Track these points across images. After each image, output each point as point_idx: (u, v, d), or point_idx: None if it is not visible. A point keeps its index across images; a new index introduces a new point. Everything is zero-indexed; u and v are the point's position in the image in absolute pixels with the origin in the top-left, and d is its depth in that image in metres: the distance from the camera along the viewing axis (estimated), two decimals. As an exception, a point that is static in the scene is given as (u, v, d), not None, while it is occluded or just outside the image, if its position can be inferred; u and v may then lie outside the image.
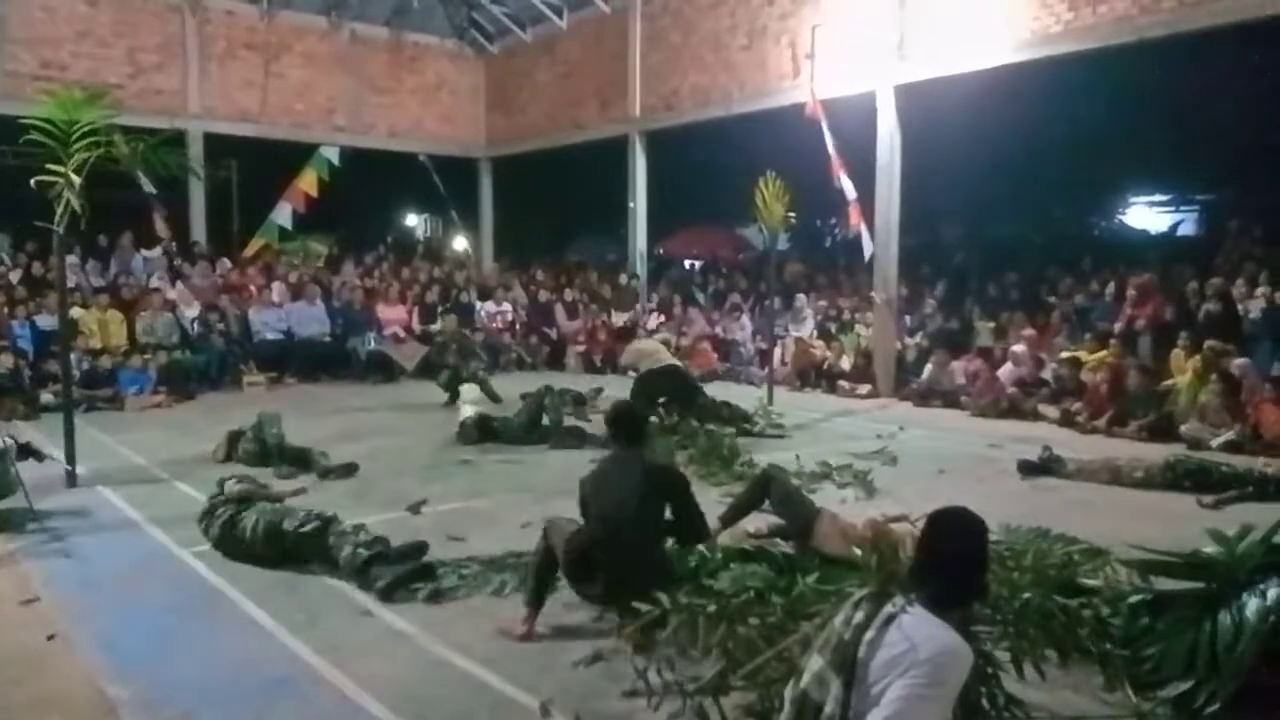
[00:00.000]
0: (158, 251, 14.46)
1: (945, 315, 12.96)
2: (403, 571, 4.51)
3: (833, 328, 13.62)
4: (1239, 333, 9.98)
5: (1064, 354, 10.56)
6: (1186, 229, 21.04)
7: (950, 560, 2.51)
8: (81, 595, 4.53)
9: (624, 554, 3.95)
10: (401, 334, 13.96)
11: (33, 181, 6.59)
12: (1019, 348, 10.80)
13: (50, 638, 3.99)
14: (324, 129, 16.71)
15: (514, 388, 10.22)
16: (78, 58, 14.33)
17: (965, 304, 13.29)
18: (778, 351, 12.48)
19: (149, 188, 14.12)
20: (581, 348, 14.75)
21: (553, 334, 15.29)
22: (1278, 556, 3.41)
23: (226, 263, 14.77)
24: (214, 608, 4.39)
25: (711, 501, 5.43)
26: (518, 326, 15.32)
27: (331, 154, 15.52)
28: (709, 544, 4.38)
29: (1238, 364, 8.77)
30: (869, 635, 2.40)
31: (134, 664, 3.73)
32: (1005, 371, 10.69)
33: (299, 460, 7.20)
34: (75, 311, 11.20)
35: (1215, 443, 8.07)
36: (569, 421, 8.84)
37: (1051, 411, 9.69)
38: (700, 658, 3.40)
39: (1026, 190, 19.29)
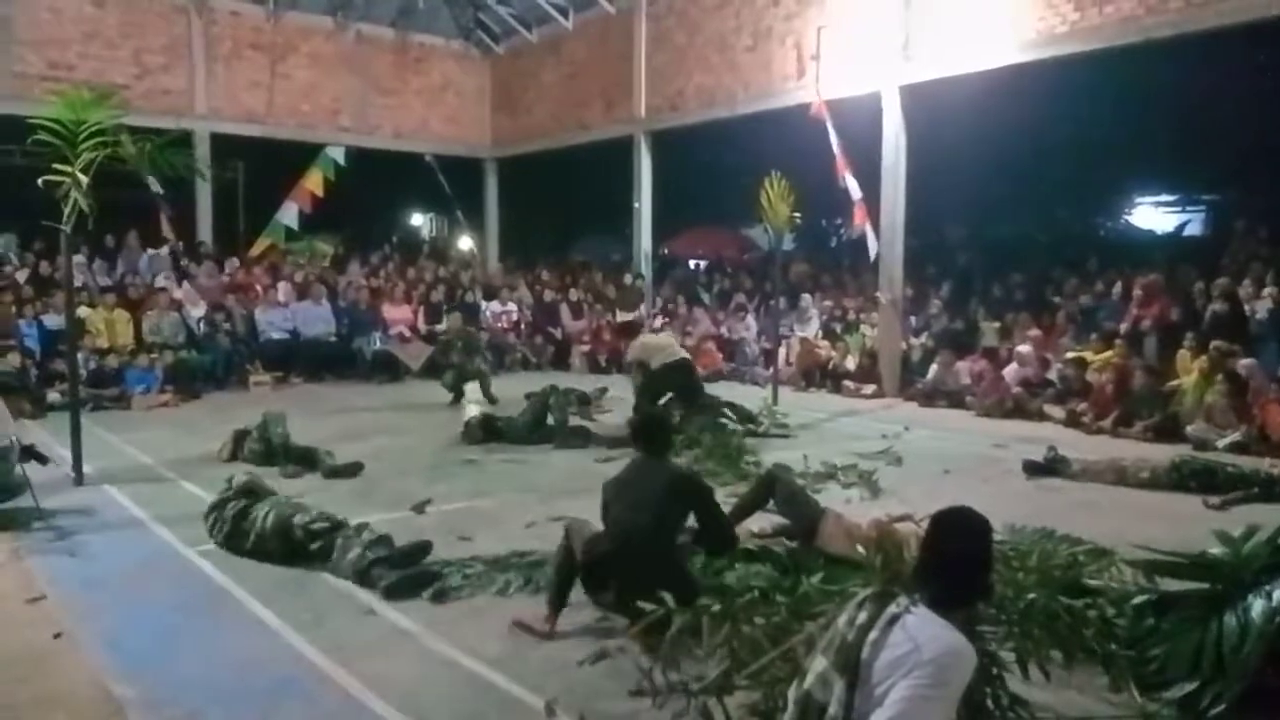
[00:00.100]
0: (163, 250, 14.50)
1: (950, 315, 12.94)
2: (405, 575, 4.52)
3: (838, 328, 13.62)
4: (1245, 333, 9.94)
5: (1069, 354, 10.54)
6: (1193, 229, 20.96)
7: (954, 560, 2.50)
8: (87, 594, 4.54)
9: (638, 563, 3.89)
10: (407, 334, 13.99)
11: (40, 181, 6.63)
12: (1024, 348, 10.78)
13: (56, 636, 4.00)
14: (330, 129, 16.75)
15: (519, 388, 10.24)
16: (84, 58, 14.37)
17: (970, 304, 13.27)
18: (782, 351, 12.49)
19: (156, 187, 14.18)
20: (586, 348, 14.77)
21: (558, 334, 15.32)
22: (1284, 557, 3.40)
23: (236, 261, 14.81)
24: (219, 607, 4.40)
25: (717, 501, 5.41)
26: (523, 326, 15.35)
27: (337, 154, 15.55)
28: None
29: (1244, 364, 8.74)
30: (873, 636, 2.40)
31: (139, 663, 3.74)
32: (1010, 372, 10.67)
33: (304, 459, 7.21)
34: (82, 311, 11.25)
35: (1221, 443, 8.05)
36: (574, 421, 8.84)
37: (1057, 412, 9.68)
38: (705, 657, 3.40)
39: (1032, 190, 19.24)
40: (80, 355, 9.30)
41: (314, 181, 15.36)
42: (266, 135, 16.25)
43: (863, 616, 2.46)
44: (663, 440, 4.45)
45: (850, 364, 12.30)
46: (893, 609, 2.42)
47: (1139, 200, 22.88)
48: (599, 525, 4.17)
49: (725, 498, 5.81)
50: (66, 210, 6.52)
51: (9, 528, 5.60)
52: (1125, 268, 12.76)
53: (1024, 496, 6.46)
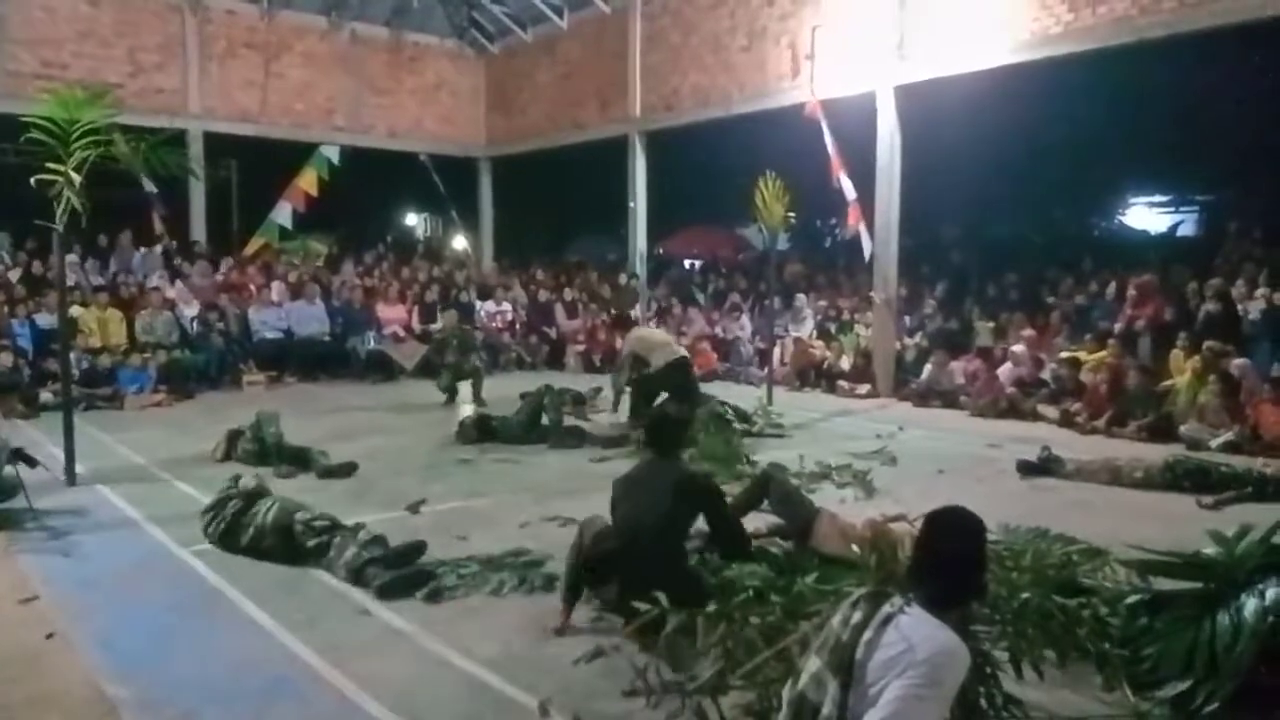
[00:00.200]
0: (157, 249, 14.46)
1: (945, 315, 12.96)
2: (399, 575, 4.51)
3: (832, 328, 13.63)
4: (1238, 333, 9.98)
5: (1063, 354, 10.56)
6: (1186, 229, 21.05)
7: (948, 560, 2.51)
8: (80, 594, 4.52)
9: (642, 562, 3.89)
10: (401, 333, 13.96)
11: (33, 180, 6.60)
12: (1018, 348, 10.81)
13: (49, 636, 3.99)
14: (324, 129, 16.71)
15: (513, 387, 10.22)
16: (78, 57, 14.33)
17: (965, 304, 13.30)
18: (777, 351, 12.48)
19: (150, 187, 14.15)
20: (581, 347, 14.76)
21: (552, 334, 15.29)
22: (1276, 557, 3.41)
23: (229, 261, 14.78)
24: (213, 607, 4.38)
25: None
26: (517, 326, 15.33)
27: (332, 153, 15.52)
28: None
29: (1237, 364, 8.77)
30: (867, 636, 2.40)
31: (133, 663, 3.73)
32: (1005, 372, 10.69)
33: (298, 459, 7.20)
34: (75, 310, 11.21)
35: (1214, 443, 8.08)
36: (568, 421, 8.84)
37: (1051, 412, 9.70)
38: (700, 657, 3.40)
39: (1026, 190, 19.31)
40: (73, 355, 9.26)
41: (308, 181, 15.32)
42: (260, 134, 16.21)
43: (857, 616, 2.46)
44: (674, 440, 4.41)
45: (845, 364, 12.30)
46: (887, 609, 2.43)
47: (1133, 200, 22.98)
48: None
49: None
50: (59, 209, 6.49)
51: (2, 527, 5.58)
52: (1119, 268, 12.81)
53: (1018, 496, 6.47)
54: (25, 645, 3.92)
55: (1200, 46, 11.19)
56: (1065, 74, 12.30)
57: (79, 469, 6.82)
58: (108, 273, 13.65)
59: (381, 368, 13.12)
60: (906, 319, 13.02)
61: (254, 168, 16.86)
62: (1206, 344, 9.09)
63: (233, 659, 3.77)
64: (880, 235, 11.81)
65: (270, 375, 12.53)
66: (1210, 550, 3.53)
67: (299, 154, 15.72)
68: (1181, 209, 22.22)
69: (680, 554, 4.10)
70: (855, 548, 3.89)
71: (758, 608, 3.54)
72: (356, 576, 4.57)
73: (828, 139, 11.69)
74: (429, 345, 12.76)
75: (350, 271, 15.50)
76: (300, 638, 3.95)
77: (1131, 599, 3.60)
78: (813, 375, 12.45)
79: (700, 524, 4.27)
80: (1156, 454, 7.30)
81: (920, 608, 2.40)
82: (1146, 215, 22.84)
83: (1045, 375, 10.44)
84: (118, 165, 7.16)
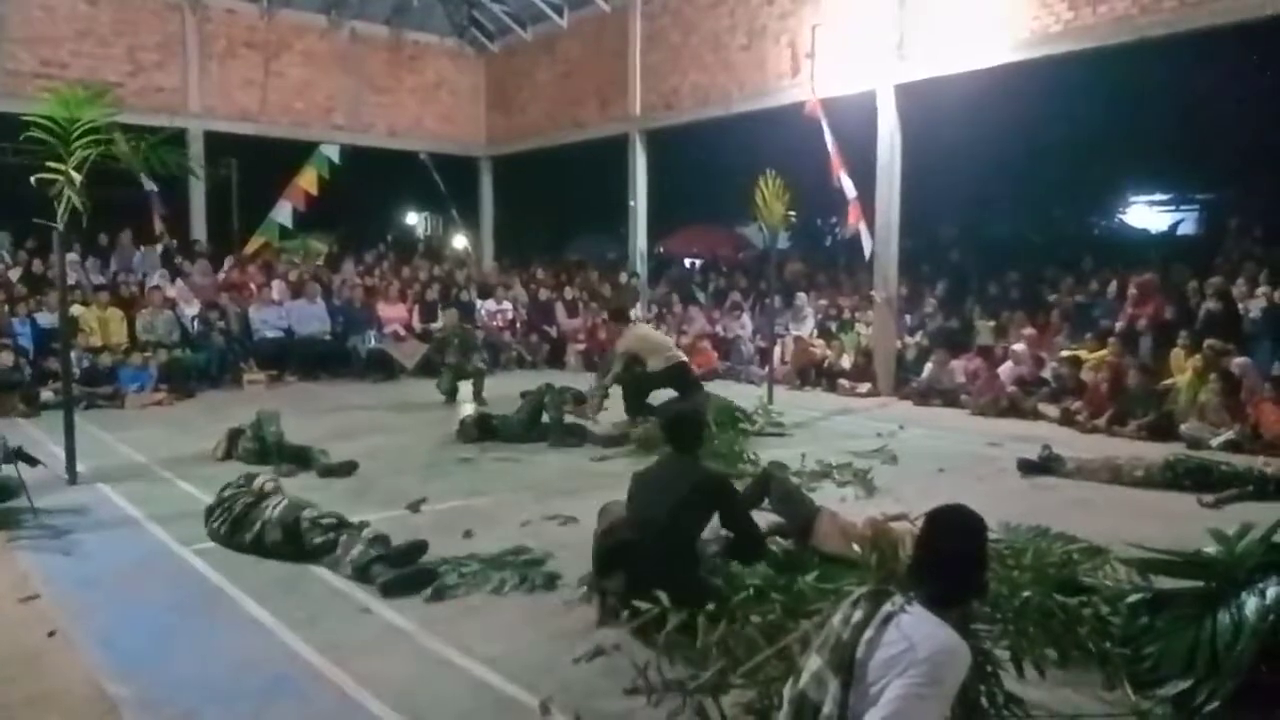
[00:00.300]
0: (157, 248, 14.46)
1: (945, 314, 12.96)
2: (402, 573, 4.52)
3: (833, 326, 13.62)
4: (1239, 332, 9.97)
5: (1064, 353, 10.55)
6: (1187, 228, 21.04)
7: (949, 559, 2.51)
8: (81, 593, 4.52)
9: (649, 559, 3.89)
10: (402, 332, 13.96)
11: (33, 179, 6.60)
12: (1019, 346, 10.80)
13: (50, 635, 3.99)
14: (324, 128, 16.71)
15: (514, 386, 10.21)
16: (78, 56, 14.32)
17: (965, 303, 13.28)
18: (778, 350, 12.48)
19: (150, 185, 14.14)
20: (582, 346, 14.75)
21: (553, 332, 15.29)
22: (1277, 555, 3.41)
23: (230, 260, 14.77)
24: (214, 606, 4.38)
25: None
26: (518, 325, 15.32)
27: (332, 152, 15.48)
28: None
29: (1238, 363, 8.77)
30: (867, 634, 2.40)
31: (134, 662, 3.73)
32: (1005, 370, 10.69)
33: (298, 458, 7.19)
34: (75, 309, 11.22)
35: (1215, 442, 8.08)
36: (569, 420, 8.83)
37: (1051, 410, 9.69)
38: (700, 655, 3.40)
39: (1027, 189, 19.30)
40: (74, 354, 9.26)
41: (308, 180, 15.28)
42: (260, 133, 16.21)
43: (858, 615, 2.46)
44: (692, 438, 4.40)
45: (845, 363, 12.31)
46: (888, 607, 2.43)
47: (1133, 199, 22.97)
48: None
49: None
50: (60, 208, 6.49)
51: (2, 526, 5.58)
52: (1119, 266, 12.79)
53: (1019, 495, 6.46)
54: (26, 644, 3.92)
55: (1200, 46, 11.19)
56: (1065, 73, 12.30)
57: (80, 468, 6.82)
58: (108, 272, 13.65)
59: (382, 367, 13.13)
60: (907, 318, 13.02)
61: (254, 166, 16.84)
62: (1207, 343, 9.09)
63: (233, 658, 3.77)
64: (880, 234, 11.81)
65: (271, 374, 12.53)
66: (1211, 549, 3.53)
67: (299, 153, 15.69)
68: (1182, 207, 22.21)
69: (689, 554, 4.06)
70: (856, 546, 3.89)
71: (758, 606, 3.54)
72: (362, 574, 4.57)
73: (828, 138, 11.68)
74: (430, 344, 12.77)
75: (351, 270, 15.50)
76: (301, 636, 3.95)
77: (1132, 598, 3.60)
78: (813, 374, 12.45)
79: (717, 527, 4.26)
80: (1157, 453, 7.30)
81: (921, 606, 2.40)
82: (1147, 214, 22.83)
83: (1046, 374, 10.43)
84: (118, 164, 7.16)
